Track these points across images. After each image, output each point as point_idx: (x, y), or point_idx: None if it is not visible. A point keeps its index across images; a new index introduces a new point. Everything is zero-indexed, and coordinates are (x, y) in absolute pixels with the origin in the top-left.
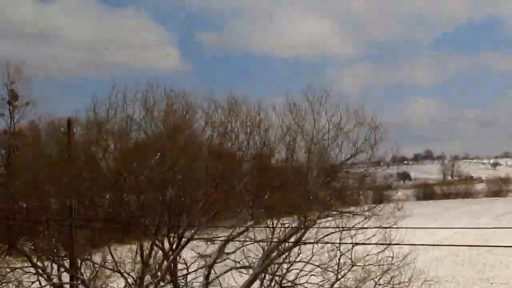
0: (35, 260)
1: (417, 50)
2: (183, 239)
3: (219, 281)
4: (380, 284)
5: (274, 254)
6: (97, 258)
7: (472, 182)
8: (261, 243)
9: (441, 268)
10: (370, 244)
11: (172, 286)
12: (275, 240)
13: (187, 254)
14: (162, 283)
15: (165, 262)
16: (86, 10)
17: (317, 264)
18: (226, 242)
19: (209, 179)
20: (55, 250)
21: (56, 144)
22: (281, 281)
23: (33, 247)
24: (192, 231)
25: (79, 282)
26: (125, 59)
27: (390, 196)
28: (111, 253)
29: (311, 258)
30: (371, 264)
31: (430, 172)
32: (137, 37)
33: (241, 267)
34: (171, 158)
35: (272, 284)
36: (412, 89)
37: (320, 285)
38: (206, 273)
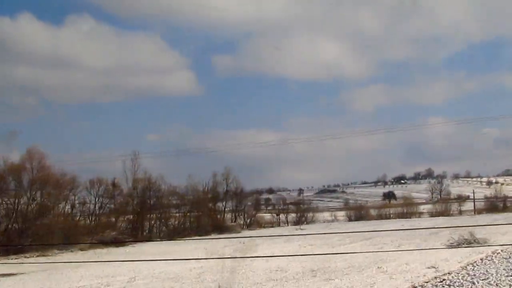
0: None
1: (430, 69)
2: None
3: None
4: None
5: None
6: None
7: (453, 201)
8: None
9: None
10: None
11: None
12: None
13: None
14: None
15: None
16: (98, 34)
17: None
18: None
19: None
20: None
21: None
22: None
23: None
24: None
25: None
26: (139, 83)
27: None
28: None
29: None
30: None
31: (421, 191)
32: (151, 61)
33: None
34: None
35: None
36: (426, 108)
37: None
38: None
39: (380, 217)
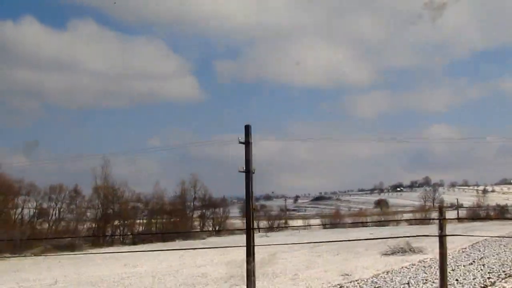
0: None
1: (433, 77)
2: None
3: None
4: None
5: None
6: None
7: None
8: None
9: None
10: None
11: None
12: None
13: None
14: None
15: None
16: (101, 39)
17: None
18: None
19: None
20: None
21: None
22: None
23: None
24: None
25: None
26: (142, 88)
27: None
28: None
29: None
30: None
31: (414, 199)
32: (154, 65)
33: None
34: None
35: None
36: (429, 115)
37: None
38: None
39: (355, 225)
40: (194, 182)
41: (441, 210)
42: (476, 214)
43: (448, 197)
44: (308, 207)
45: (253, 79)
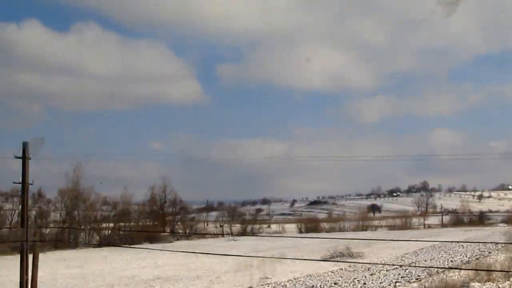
0: None
1: (436, 81)
2: None
3: None
4: None
5: None
6: None
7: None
8: None
9: None
10: None
11: None
12: None
13: None
14: None
15: None
16: (104, 42)
17: None
18: None
19: None
20: None
21: None
22: None
23: None
24: None
25: None
26: (145, 91)
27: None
28: None
29: None
30: None
31: (408, 204)
32: (157, 68)
33: None
34: None
35: None
36: (432, 120)
37: None
38: None
39: (332, 229)
40: (164, 187)
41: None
42: (460, 220)
43: (443, 202)
44: (304, 211)
45: (256, 82)
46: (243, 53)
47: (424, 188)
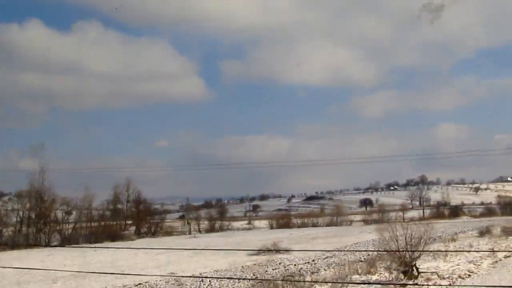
0: None
1: (439, 75)
2: None
3: None
4: None
5: None
6: None
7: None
8: None
9: None
10: None
11: None
12: None
13: None
14: None
15: None
16: (106, 40)
17: None
18: None
19: None
20: None
21: None
22: None
23: None
24: None
25: None
26: (148, 89)
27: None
28: None
29: None
30: None
31: (402, 198)
32: (160, 66)
33: None
34: None
35: None
36: (436, 114)
37: None
38: None
39: (304, 225)
40: (127, 186)
41: None
42: (441, 213)
43: (439, 195)
44: (300, 206)
45: (259, 78)
46: (246, 50)
47: (422, 182)
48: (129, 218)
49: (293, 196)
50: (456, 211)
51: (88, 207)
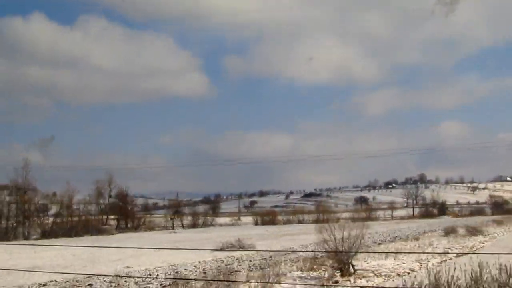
0: None
1: (442, 73)
2: None
3: None
4: None
5: None
6: None
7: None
8: None
9: None
10: None
11: None
12: None
13: None
14: None
15: None
16: (110, 35)
17: None
18: None
19: None
20: None
21: None
22: None
23: None
24: None
25: None
26: (152, 85)
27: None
28: None
29: None
30: None
31: (398, 196)
32: (164, 62)
33: None
34: None
35: None
36: (438, 113)
37: None
38: None
39: (289, 222)
40: (109, 181)
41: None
42: (430, 211)
43: (436, 194)
44: (297, 203)
45: (262, 75)
46: (248, 47)
47: (421, 180)
48: (112, 213)
49: (291, 193)
50: (443, 210)
51: (69, 202)
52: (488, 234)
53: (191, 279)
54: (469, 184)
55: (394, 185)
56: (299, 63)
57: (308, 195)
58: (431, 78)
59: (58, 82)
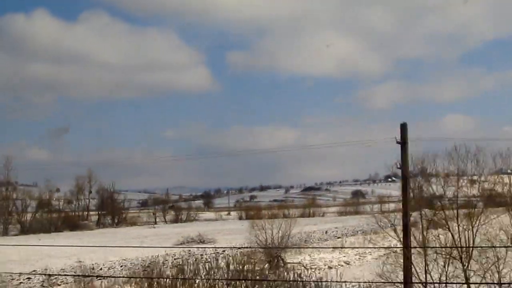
0: None
1: (445, 67)
2: None
3: None
4: None
5: None
6: None
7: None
8: None
9: None
10: None
11: None
12: None
13: None
14: None
15: None
16: (113, 30)
17: None
18: None
19: None
20: None
21: None
22: None
23: None
24: None
25: None
26: (154, 80)
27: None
28: None
29: None
30: None
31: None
32: (167, 57)
33: None
34: None
35: None
36: (443, 106)
37: None
38: None
39: (274, 216)
40: (89, 177)
41: None
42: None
43: (434, 187)
44: (296, 197)
45: (265, 69)
46: (252, 41)
47: (422, 173)
48: (97, 209)
49: (292, 187)
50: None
51: (49, 198)
52: None
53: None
54: (469, 177)
55: (394, 178)
56: (302, 57)
57: (307, 189)
58: (436, 71)
59: (61, 77)
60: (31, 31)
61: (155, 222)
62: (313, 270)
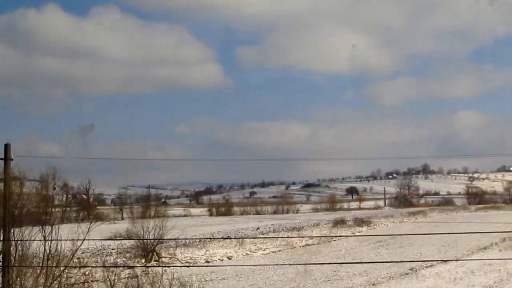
0: None
1: (456, 63)
2: None
3: None
4: None
5: None
6: None
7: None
8: None
9: None
10: None
11: None
12: None
13: None
14: None
15: None
16: (124, 26)
17: None
18: None
19: None
20: None
21: None
22: None
23: None
24: None
25: None
26: (165, 75)
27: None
28: None
29: None
30: None
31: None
32: (178, 52)
33: None
34: None
35: None
36: (454, 102)
37: None
38: None
39: (245, 212)
40: (53, 174)
41: None
42: (401, 202)
43: (431, 184)
44: (295, 194)
45: (277, 65)
46: (263, 37)
47: (424, 170)
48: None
49: (293, 183)
50: (408, 200)
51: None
52: (374, 225)
53: None
54: (470, 175)
55: (395, 175)
56: (313, 53)
57: (307, 186)
58: (447, 67)
59: (72, 73)
60: (43, 26)
61: (122, 218)
62: (186, 263)
